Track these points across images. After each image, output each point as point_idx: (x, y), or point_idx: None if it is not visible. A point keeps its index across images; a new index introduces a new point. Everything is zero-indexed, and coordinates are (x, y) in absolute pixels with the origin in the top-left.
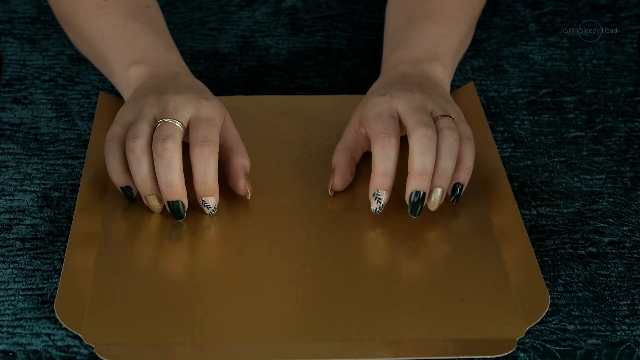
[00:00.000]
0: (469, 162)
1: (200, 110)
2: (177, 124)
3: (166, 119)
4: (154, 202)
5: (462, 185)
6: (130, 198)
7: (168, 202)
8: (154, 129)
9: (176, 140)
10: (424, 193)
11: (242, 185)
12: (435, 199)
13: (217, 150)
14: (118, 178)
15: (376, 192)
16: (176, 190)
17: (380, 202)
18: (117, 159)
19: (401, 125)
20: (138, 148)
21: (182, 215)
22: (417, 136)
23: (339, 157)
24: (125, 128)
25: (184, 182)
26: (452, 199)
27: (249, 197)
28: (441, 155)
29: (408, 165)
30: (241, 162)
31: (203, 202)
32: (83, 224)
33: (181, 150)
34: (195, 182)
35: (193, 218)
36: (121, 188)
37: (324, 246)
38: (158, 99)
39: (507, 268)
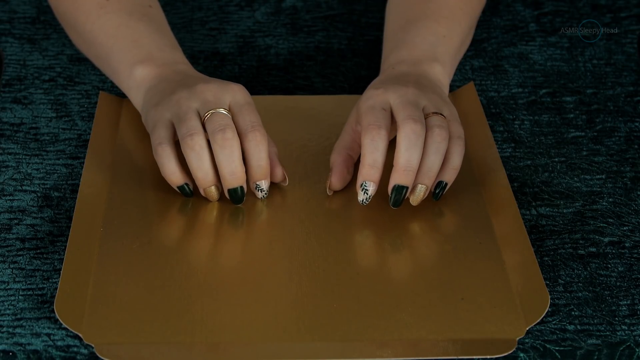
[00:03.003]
0: (456, 162)
1: (235, 95)
2: (225, 112)
3: (212, 110)
4: (212, 193)
5: (447, 184)
6: (188, 194)
7: (229, 190)
8: (202, 122)
9: (233, 129)
10: (407, 188)
11: (280, 172)
12: (418, 196)
13: (266, 133)
14: (176, 179)
15: (364, 183)
16: (239, 177)
17: (367, 194)
18: (173, 160)
19: (393, 119)
20: (197, 145)
21: (241, 199)
22: (406, 131)
23: (336, 157)
24: (169, 128)
25: (244, 167)
26: (434, 196)
27: (286, 184)
28: (428, 154)
29: (394, 158)
30: (273, 150)
31: (257, 186)
32: (83, 224)
33: (239, 138)
34: (251, 167)
35: (192, 218)
36: (178, 187)
37: (324, 246)
38: (191, 91)
39: (507, 268)
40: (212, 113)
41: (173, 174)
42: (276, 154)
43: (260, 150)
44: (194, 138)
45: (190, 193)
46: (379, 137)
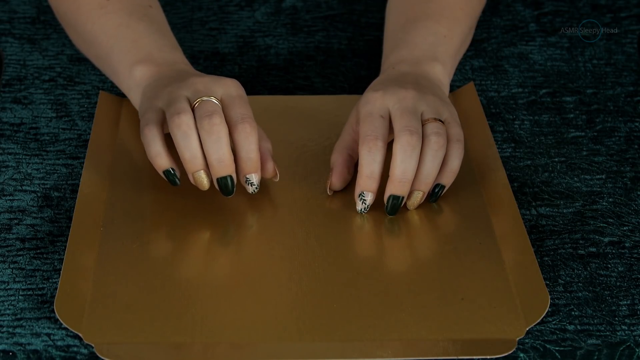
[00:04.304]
0: (454, 165)
1: (228, 89)
2: (215, 101)
3: (203, 97)
4: (201, 179)
5: (444, 187)
6: (174, 181)
7: (218, 179)
8: (192, 108)
9: (221, 115)
10: (402, 197)
11: (272, 167)
12: (414, 201)
13: (256, 126)
14: (162, 161)
15: (362, 193)
16: (227, 165)
17: (365, 203)
18: (159, 141)
19: (391, 125)
20: (184, 123)
21: (231, 191)
22: (402, 143)
23: (337, 157)
24: (159, 112)
25: (232, 156)
26: (432, 197)
27: (276, 179)
28: (424, 162)
29: (390, 169)
30: (266, 145)
31: (247, 180)
32: (83, 224)
33: (227, 126)
34: (240, 159)
35: (192, 219)
36: (164, 172)
37: (324, 246)
38: (184, 83)
39: (507, 268)
40: (201, 100)
41: (158, 155)
42: (269, 150)
43: (250, 142)
44: (180, 117)
45: (176, 181)
46: (376, 149)
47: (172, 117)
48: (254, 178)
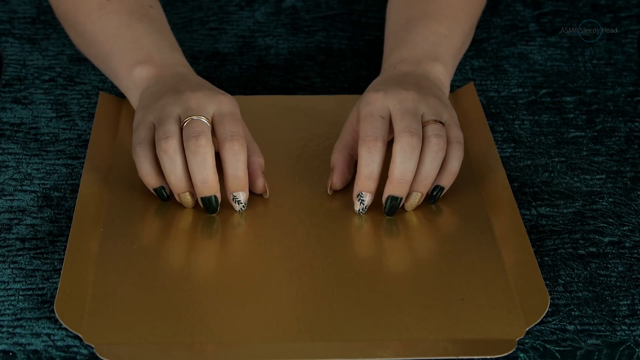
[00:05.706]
0: (454, 166)
1: (221, 105)
2: (204, 120)
3: (193, 116)
4: (186, 199)
5: (443, 188)
6: (164, 197)
7: (202, 198)
8: (181, 127)
9: (208, 136)
10: (401, 198)
11: (261, 184)
12: (413, 202)
13: (246, 144)
14: (152, 180)
15: (360, 193)
16: (211, 186)
17: (363, 204)
18: (149, 161)
19: (391, 126)
20: (171, 148)
21: (215, 209)
22: (401, 144)
23: (337, 156)
24: (151, 130)
25: (217, 177)
26: (431, 199)
27: (266, 196)
28: (423, 163)
29: (389, 169)
30: (258, 161)
31: (234, 197)
32: (83, 224)
33: (213, 146)
34: (227, 177)
35: (192, 219)
36: (154, 189)
37: (324, 246)
38: (177, 98)
39: (507, 268)
40: (191, 119)
41: (148, 175)
42: (261, 166)
43: (237, 160)
44: (168, 141)
45: (166, 197)
46: (376, 149)
47: (160, 141)
48: (241, 196)
